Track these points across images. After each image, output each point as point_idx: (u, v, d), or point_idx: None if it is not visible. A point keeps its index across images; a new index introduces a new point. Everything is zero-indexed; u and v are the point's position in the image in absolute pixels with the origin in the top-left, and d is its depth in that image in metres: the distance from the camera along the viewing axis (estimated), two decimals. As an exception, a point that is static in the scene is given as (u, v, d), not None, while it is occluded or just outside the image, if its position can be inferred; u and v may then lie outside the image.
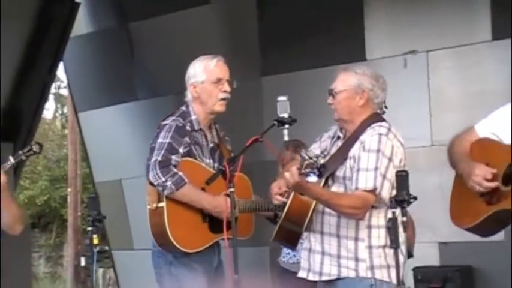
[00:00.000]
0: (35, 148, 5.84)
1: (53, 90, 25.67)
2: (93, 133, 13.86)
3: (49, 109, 28.46)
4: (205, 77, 5.27)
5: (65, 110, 22.01)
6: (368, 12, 10.69)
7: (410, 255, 6.55)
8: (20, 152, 5.80)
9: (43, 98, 13.19)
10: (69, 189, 23.22)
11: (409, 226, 6.39)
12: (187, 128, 5.21)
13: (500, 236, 5.03)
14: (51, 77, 13.19)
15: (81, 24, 12.90)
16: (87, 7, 12.84)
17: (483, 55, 9.73)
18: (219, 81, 5.28)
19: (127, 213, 12.15)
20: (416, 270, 9.58)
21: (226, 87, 5.30)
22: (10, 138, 10.84)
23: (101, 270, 20.42)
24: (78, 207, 22.16)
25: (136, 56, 12.35)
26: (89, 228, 5.09)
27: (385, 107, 5.75)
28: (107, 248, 13.81)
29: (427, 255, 9.73)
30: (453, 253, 9.53)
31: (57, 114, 27.81)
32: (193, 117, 5.25)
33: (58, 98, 24.71)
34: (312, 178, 4.61)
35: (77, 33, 12.85)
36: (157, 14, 11.88)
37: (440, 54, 10.23)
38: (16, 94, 12.27)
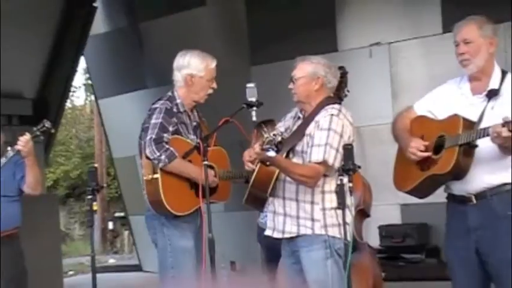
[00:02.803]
0: (47, 125, 5.82)
1: (83, 81, 25.81)
2: (110, 116, 13.91)
3: (80, 97, 28.65)
4: (204, 73, 5.26)
5: (93, 98, 22.02)
6: (339, 11, 10.74)
7: (367, 215, 6.56)
8: (35, 129, 5.79)
9: (67, 88, 13.21)
10: (96, 164, 23.35)
11: (366, 192, 6.43)
12: (174, 110, 5.20)
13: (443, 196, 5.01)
14: (73, 70, 13.20)
15: (99, 25, 12.90)
16: (103, 10, 12.84)
17: (435, 46, 9.75)
18: (212, 79, 5.29)
19: (140, 183, 12.10)
20: (381, 228, 9.65)
21: (215, 85, 5.31)
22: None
23: (126, 233, 20.39)
24: (104, 179, 22.18)
25: (145, 51, 12.39)
26: (89, 197, 5.09)
27: (347, 91, 5.76)
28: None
29: (390, 215, 9.79)
30: (412, 213, 9.59)
31: (86, 102, 27.88)
32: (178, 101, 5.23)
33: (87, 87, 24.60)
34: (271, 153, 4.61)
35: (94, 33, 12.87)
36: (162, 15, 11.96)
37: (400, 45, 10.27)
38: (44, 85, 12.27)
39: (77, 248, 20.76)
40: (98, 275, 5.32)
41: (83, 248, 21.24)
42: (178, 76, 5.33)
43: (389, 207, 9.58)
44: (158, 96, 5.44)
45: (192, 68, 5.27)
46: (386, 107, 9.64)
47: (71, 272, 14.25)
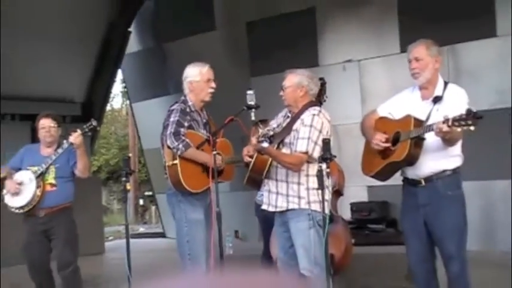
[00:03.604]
0: (94, 123, 5.99)
1: (120, 89, 25.79)
2: (141, 116, 13.89)
3: (117, 102, 28.69)
4: (200, 77, 5.23)
5: (128, 102, 22.06)
6: (319, 35, 10.79)
7: (341, 194, 6.59)
8: (84, 126, 5.90)
9: (107, 95, 13.31)
10: (130, 154, 23.37)
11: (340, 176, 6.45)
12: (187, 110, 5.17)
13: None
14: (112, 80, 13.29)
15: (132, 45, 12.91)
16: (135, 34, 12.86)
17: (394, 63, 9.76)
18: (208, 80, 5.24)
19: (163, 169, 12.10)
20: (352, 204, 9.72)
21: (213, 85, 5.25)
22: (86, 121, 10.76)
23: (153, 208, 20.38)
24: (136, 166, 22.18)
25: (168, 65, 12.38)
26: (123, 179, 5.09)
27: (326, 97, 5.78)
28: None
29: (359, 194, 9.84)
30: (376, 193, 9.63)
31: (123, 105, 27.88)
32: (190, 103, 5.21)
33: (123, 94, 24.65)
34: (264, 144, 4.70)
35: (129, 51, 12.90)
36: (181, 38, 11.95)
37: (367, 62, 10.34)
38: (90, 93, 12.34)
39: (115, 219, 20.76)
40: (131, 240, 5.33)
41: (119, 219, 21.22)
42: (184, 85, 5.32)
43: (358, 188, 9.61)
44: (177, 100, 5.44)
45: (190, 76, 5.26)
46: (356, 110, 9.67)
47: (110, 238, 14.26)
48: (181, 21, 12.15)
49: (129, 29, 12.58)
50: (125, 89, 20.03)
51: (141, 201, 23.74)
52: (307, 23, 10.72)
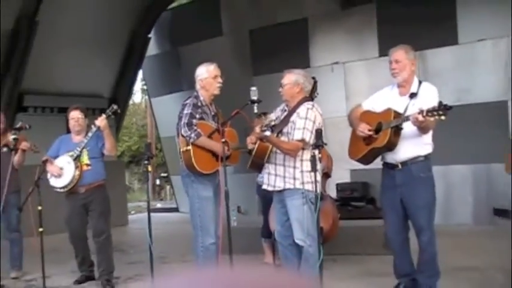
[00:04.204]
0: (115, 107, 6.03)
1: (140, 86, 25.72)
2: (159, 109, 13.82)
3: (138, 97, 28.66)
4: (208, 75, 5.16)
5: (146, 97, 22.05)
6: (311, 41, 10.71)
7: (329, 176, 6.54)
8: (107, 110, 5.95)
9: (130, 91, 13.29)
10: (149, 141, 23.37)
11: (328, 160, 6.41)
12: (199, 104, 5.10)
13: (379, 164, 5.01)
14: (134, 79, 13.24)
15: (151, 49, 12.85)
16: (154, 40, 12.80)
17: (374, 65, 9.77)
18: (215, 77, 5.16)
19: (177, 154, 12.03)
20: (337, 184, 9.67)
21: (220, 80, 5.17)
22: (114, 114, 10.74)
23: (168, 187, 20.40)
24: (153, 151, 22.17)
25: (182, 65, 12.31)
26: (145, 162, 5.05)
27: (317, 93, 5.72)
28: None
29: (344, 176, 9.79)
30: (357, 175, 9.59)
31: (142, 100, 27.81)
32: (201, 98, 5.14)
33: (143, 91, 24.61)
34: (267, 133, 4.64)
35: (149, 54, 12.83)
36: (193, 42, 11.92)
37: (351, 64, 10.29)
38: (116, 89, 12.31)
39: (136, 196, 20.80)
40: (152, 214, 5.30)
41: (139, 196, 21.29)
42: (196, 83, 5.26)
43: (343, 171, 9.55)
44: (190, 96, 5.38)
45: (200, 75, 5.18)
46: (341, 105, 9.61)
47: (132, 212, 14.23)
48: (193, 28, 12.09)
49: (149, 36, 12.54)
50: (144, 87, 20.12)
51: (157, 181, 23.71)
52: (300, 30, 10.66)
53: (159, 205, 18.04)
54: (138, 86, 25.76)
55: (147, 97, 23.31)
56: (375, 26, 9.92)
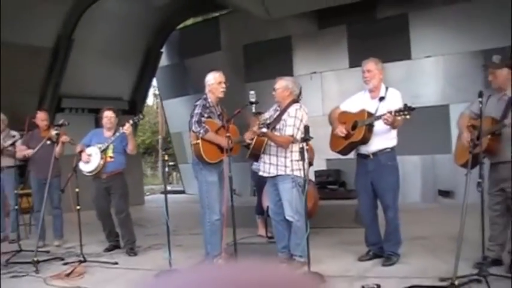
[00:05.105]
0: (141, 116, 6.11)
1: (152, 91, 25.54)
2: (169, 110, 13.63)
3: (150, 100, 28.40)
4: (214, 81, 5.06)
5: (157, 100, 21.86)
6: (293, 53, 10.60)
7: (311, 164, 6.47)
8: (135, 117, 5.91)
9: (146, 95, 13.09)
10: (159, 136, 23.16)
11: (311, 152, 6.33)
12: (207, 105, 4.99)
13: (353, 155, 4.94)
14: (149, 85, 13.08)
15: (163, 61, 12.69)
16: (166, 53, 12.64)
17: (345, 75, 9.69)
18: (220, 83, 5.06)
19: (184, 147, 11.96)
20: (316, 171, 9.57)
21: (224, 85, 5.06)
22: (132, 113, 10.61)
23: (174, 173, 20.23)
24: (163, 144, 22.02)
25: (188, 74, 12.17)
26: (163, 152, 5.00)
27: (301, 97, 5.63)
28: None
29: (321, 165, 9.71)
30: (332, 164, 9.52)
31: (154, 102, 27.51)
32: (209, 100, 5.03)
33: (155, 95, 24.35)
34: (264, 129, 4.56)
35: (161, 65, 12.67)
36: (197, 56, 11.77)
37: (326, 74, 10.19)
38: (134, 93, 12.14)
39: (149, 180, 20.59)
40: (161, 195, 5.21)
41: (152, 181, 21.14)
42: (205, 87, 5.14)
43: (320, 160, 9.46)
44: (195, 99, 5.24)
45: (208, 81, 5.07)
46: (318, 107, 9.51)
47: (147, 193, 14.07)
48: (197, 44, 11.94)
49: (161, 50, 12.37)
50: (156, 91, 19.93)
51: (166, 169, 23.50)
52: (285, 46, 10.53)
53: (168, 188, 17.90)
54: (151, 91, 25.55)
55: (158, 100, 23.27)
56: (345, 43, 9.84)
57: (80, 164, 5.76)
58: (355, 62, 9.17)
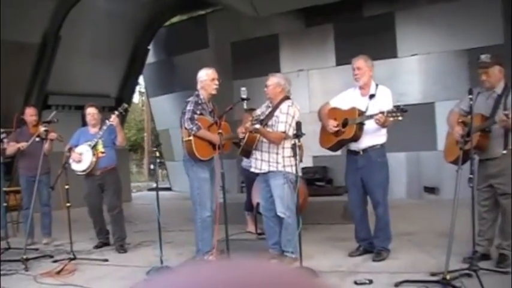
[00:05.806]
0: (125, 105, 6.05)
1: (138, 88, 25.28)
2: (156, 107, 13.53)
3: (136, 98, 28.15)
4: (206, 77, 5.02)
5: (143, 98, 21.69)
6: (280, 51, 10.56)
7: (301, 160, 6.46)
8: (119, 108, 5.82)
9: (133, 91, 12.97)
10: (145, 134, 22.95)
11: (302, 148, 6.33)
12: (199, 102, 4.97)
13: (339, 152, 4.96)
14: (136, 82, 12.93)
15: (150, 58, 12.56)
16: (152, 50, 12.51)
17: (331, 73, 9.69)
18: (213, 79, 5.03)
19: (171, 144, 11.87)
20: (303, 168, 9.43)
21: (216, 82, 5.03)
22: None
23: (160, 170, 20.13)
24: (149, 142, 21.84)
25: (175, 71, 12.07)
26: (154, 149, 4.94)
27: (291, 94, 5.62)
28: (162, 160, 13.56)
29: (309, 162, 9.69)
30: (319, 161, 9.53)
31: (139, 100, 27.27)
32: (201, 96, 5.00)
33: (140, 92, 24.14)
34: (257, 125, 4.53)
35: (148, 62, 12.53)
36: (184, 53, 11.66)
37: (313, 72, 10.16)
38: (121, 90, 11.99)
39: (135, 178, 20.44)
40: (148, 193, 5.19)
41: (137, 178, 21.02)
42: (198, 84, 5.11)
43: (307, 157, 9.38)
44: (182, 97, 5.26)
45: (201, 78, 5.04)
46: (305, 104, 9.40)
47: (134, 190, 13.95)
48: (184, 41, 11.83)
49: (148, 47, 12.23)
50: (142, 89, 19.75)
51: (151, 166, 23.32)
52: (272, 44, 10.48)
53: (154, 185, 17.78)
54: (136, 88, 25.37)
55: (143, 98, 23.12)
56: (332, 41, 9.84)
57: (72, 165, 5.70)
58: (341, 60, 9.21)
